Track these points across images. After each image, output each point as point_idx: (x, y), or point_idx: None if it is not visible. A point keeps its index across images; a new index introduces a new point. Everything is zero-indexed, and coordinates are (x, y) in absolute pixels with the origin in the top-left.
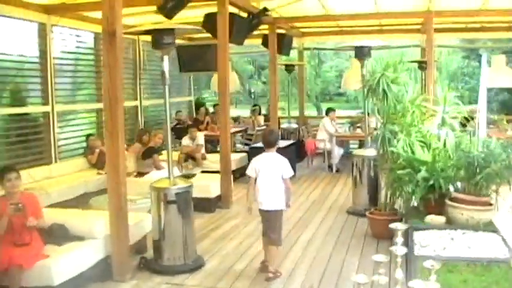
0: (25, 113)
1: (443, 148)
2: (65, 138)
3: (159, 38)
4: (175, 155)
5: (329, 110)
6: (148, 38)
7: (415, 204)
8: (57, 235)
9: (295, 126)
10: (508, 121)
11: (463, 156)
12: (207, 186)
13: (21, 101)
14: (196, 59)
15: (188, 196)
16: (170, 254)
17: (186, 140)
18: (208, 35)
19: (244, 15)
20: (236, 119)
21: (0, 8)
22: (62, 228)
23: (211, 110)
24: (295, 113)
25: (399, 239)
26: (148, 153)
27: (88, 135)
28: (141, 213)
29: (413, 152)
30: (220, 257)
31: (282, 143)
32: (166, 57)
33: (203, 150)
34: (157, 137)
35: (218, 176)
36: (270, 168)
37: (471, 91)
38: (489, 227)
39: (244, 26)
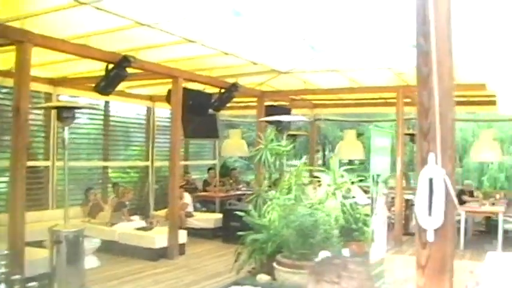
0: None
1: (288, 214)
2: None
3: (61, 113)
4: (164, 212)
5: None
6: (163, 105)
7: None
8: None
9: None
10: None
11: (293, 221)
12: (152, 237)
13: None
14: (198, 127)
15: (77, 239)
16: None
17: None
18: None
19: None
20: (249, 183)
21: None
22: None
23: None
24: None
25: None
26: (119, 207)
27: (87, 189)
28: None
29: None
30: None
31: None
32: (66, 128)
33: (190, 209)
34: (130, 194)
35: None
36: None
37: None
38: None
39: (204, 100)
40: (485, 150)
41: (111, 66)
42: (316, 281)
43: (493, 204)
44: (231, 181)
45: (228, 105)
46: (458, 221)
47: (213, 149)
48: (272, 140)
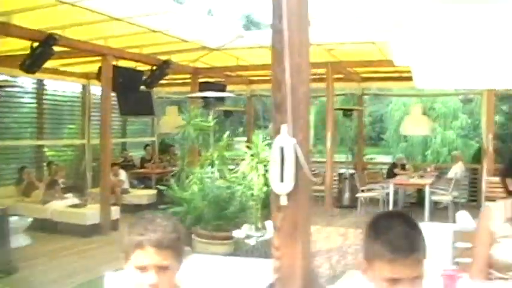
0: None
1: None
2: None
3: None
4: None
5: None
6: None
7: None
8: None
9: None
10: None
11: (208, 194)
12: (83, 214)
13: None
14: (134, 104)
15: (1, 217)
16: None
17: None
18: None
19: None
20: None
21: None
22: None
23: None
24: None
25: None
26: (52, 185)
27: (21, 168)
28: None
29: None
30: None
31: None
32: None
33: (125, 185)
34: (63, 171)
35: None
36: None
37: None
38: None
39: (134, 77)
40: (415, 125)
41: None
42: (129, 233)
43: (422, 176)
44: (168, 157)
45: (165, 82)
46: (388, 194)
47: (152, 126)
48: (196, 116)
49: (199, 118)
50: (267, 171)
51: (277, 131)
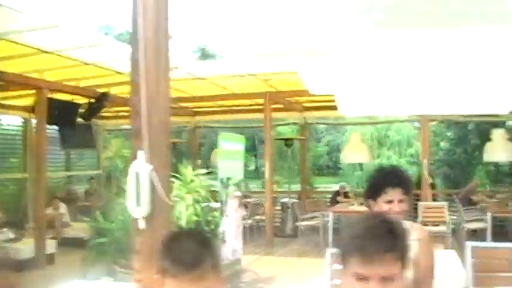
0: None
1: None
2: None
3: None
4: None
5: None
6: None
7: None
8: None
9: None
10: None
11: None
12: (16, 248)
13: None
14: (75, 137)
15: None
16: None
17: (49, 209)
18: None
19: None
20: None
21: None
22: None
23: None
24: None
25: None
26: None
27: None
28: None
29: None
30: None
31: None
32: None
33: (66, 219)
34: None
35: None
36: None
37: None
38: None
39: (70, 110)
40: (354, 152)
41: None
42: None
43: (362, 204)
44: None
45: (111, 115)
46: (328, 222)
47: (98, 158)
48: (123, 148)
49: (127, 150)
50: (196, 201)
51: (134, 157)
